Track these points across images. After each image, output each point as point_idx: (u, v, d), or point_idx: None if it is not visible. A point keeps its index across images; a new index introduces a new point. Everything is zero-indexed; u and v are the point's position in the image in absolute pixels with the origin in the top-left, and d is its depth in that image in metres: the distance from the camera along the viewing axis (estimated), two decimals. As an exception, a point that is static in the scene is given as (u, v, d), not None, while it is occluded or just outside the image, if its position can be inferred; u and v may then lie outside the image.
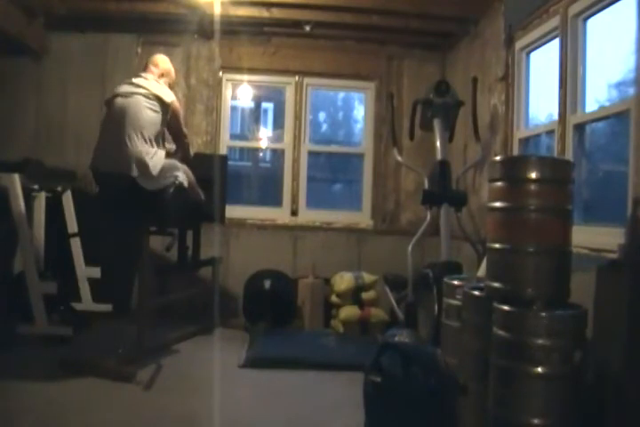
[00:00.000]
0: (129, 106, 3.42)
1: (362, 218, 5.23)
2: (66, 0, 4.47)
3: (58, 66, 4.90)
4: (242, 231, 5.03)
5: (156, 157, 3.40)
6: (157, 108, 3.48)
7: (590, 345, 2.21)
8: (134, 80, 3.56)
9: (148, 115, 3.43)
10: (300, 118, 5.21)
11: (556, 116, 3.24)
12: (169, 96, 3.58)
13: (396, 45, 5.15)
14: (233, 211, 4.92)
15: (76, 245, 4.32)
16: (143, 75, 3.62)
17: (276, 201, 5.28)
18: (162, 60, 3.77)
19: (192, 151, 4.17)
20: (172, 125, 3.66)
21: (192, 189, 3.81)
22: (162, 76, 3.70)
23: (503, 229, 2.29)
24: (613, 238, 2.48)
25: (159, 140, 3.55)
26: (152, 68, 3.69)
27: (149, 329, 3.60)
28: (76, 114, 4.91)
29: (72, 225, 4.30)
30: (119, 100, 3.48)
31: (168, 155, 3.63)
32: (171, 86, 3.78)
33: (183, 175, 3.62)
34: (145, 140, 3.38)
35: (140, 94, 3.46)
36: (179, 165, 3.65)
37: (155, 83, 3.58)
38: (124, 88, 3.53)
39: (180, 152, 3.85)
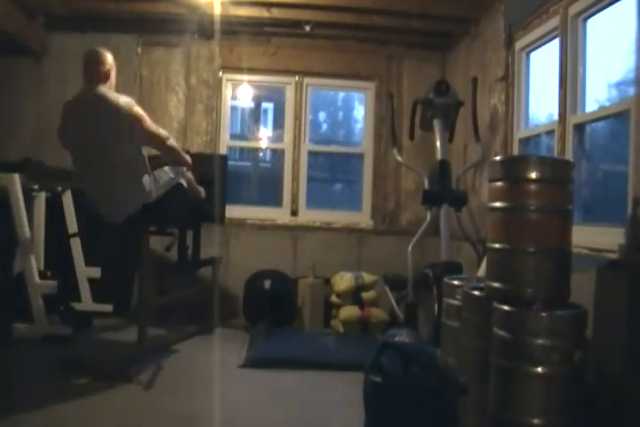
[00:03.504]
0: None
1: (362, 218, 5.23)
2: (66, 0, 4.48)
3: (58, 66, 4.90)
4: (242, 231, 5.03)
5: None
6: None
7: (590, 345, 2.21)
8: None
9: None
10: (300, 118, 5.21)
11: (556, 116, 3.24)
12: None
13: (396, 45, 5.15)
14: (233, 211, 4.92)
15: (75, 245, 4.32)
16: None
17: (276, 201, 5.28)
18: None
19: (182, 149, 4.02)
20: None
21: (191, 187, 3.81)
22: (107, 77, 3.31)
23: (503, 229, 2.29)
24: (613, 238, 2.48)
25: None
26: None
27: (149, 329, 3.60)
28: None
29: (72, 225, 4.30)
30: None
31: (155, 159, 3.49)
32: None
33: (179, 176, 3.59)
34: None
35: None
36: (167, 170, 3.51)
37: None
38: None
39: (169, 157, 3.53)
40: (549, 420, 2.06)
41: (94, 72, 3.29)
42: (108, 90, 3.28)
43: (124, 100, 3.22)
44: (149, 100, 5.01)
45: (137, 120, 3.20)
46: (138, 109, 3.23)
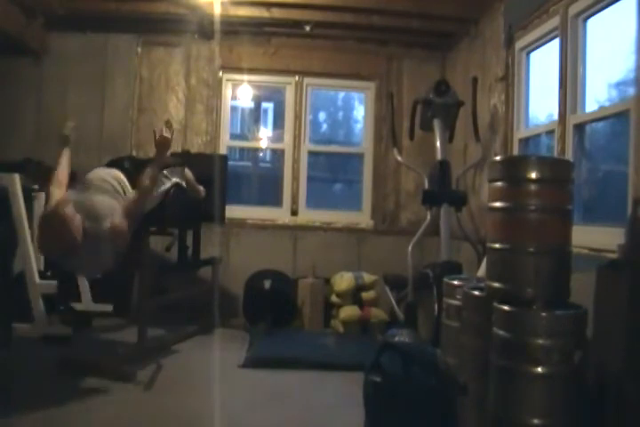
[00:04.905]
0: None
1: (362, 218, 5.23)
2: (66, 0, 4.48)
3: (58, 66, 4.91)
4: (242, 231, 5.03)
5: None
6: None
7: (590, 345, 2.21)
8: None
9: None
10: (300, 118, 5.21)
11: (556, 116, 3.24)
12: None
13: (396, 45, 5.16)
14: (233, 211, 4.92)
15: (75, 245, 4.31)
16: None
17: (276, 201, 5.28)
18: None
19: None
20: None
21: (191, 187, 3.80)
22: None
23: (503, 229, 2.29)
24: (613, 238, 2.48)
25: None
26: None
27: (149, 329, 3.60)
28: (75, 114, 4.90)
29: (72, 225, 4.29)
30: None
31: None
32: None
33: (176, 178, 3.58)
34: None
35: None
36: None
37: None
38: None
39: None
40: (549, 420, 2.06)
41: None
42: None
43: None
44: (149, 100, 5.02)
45: None
46: None
